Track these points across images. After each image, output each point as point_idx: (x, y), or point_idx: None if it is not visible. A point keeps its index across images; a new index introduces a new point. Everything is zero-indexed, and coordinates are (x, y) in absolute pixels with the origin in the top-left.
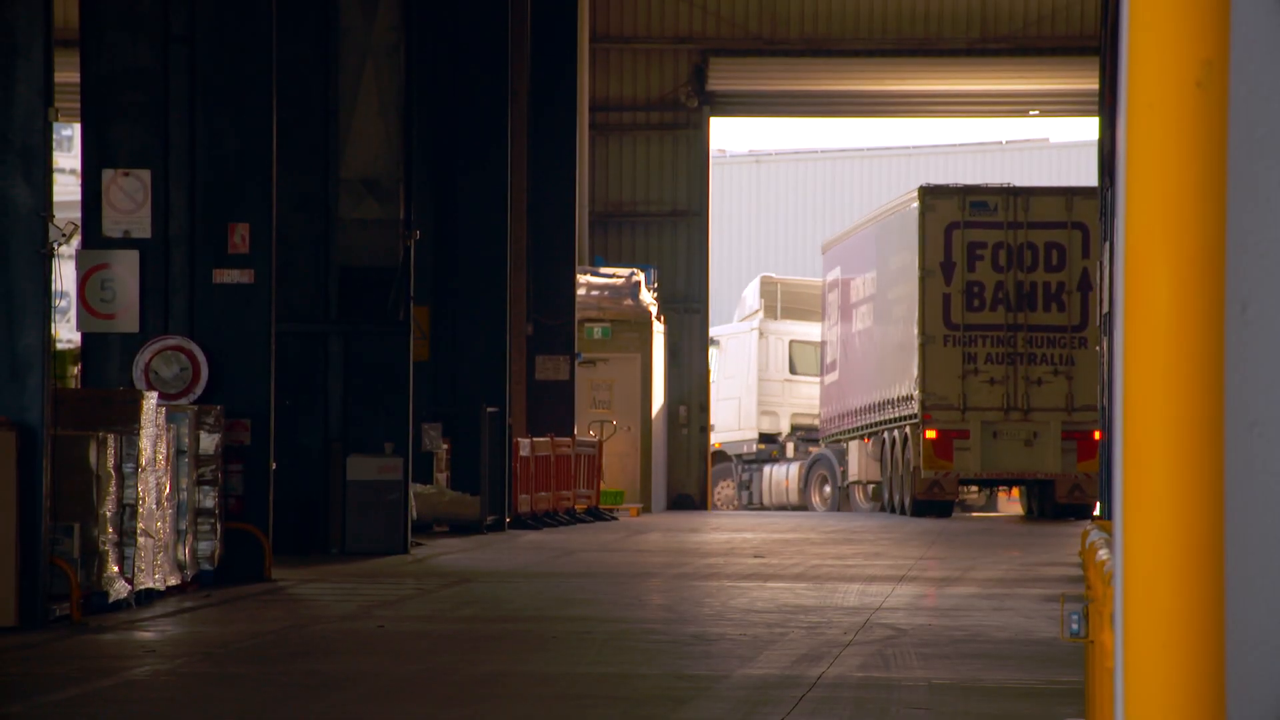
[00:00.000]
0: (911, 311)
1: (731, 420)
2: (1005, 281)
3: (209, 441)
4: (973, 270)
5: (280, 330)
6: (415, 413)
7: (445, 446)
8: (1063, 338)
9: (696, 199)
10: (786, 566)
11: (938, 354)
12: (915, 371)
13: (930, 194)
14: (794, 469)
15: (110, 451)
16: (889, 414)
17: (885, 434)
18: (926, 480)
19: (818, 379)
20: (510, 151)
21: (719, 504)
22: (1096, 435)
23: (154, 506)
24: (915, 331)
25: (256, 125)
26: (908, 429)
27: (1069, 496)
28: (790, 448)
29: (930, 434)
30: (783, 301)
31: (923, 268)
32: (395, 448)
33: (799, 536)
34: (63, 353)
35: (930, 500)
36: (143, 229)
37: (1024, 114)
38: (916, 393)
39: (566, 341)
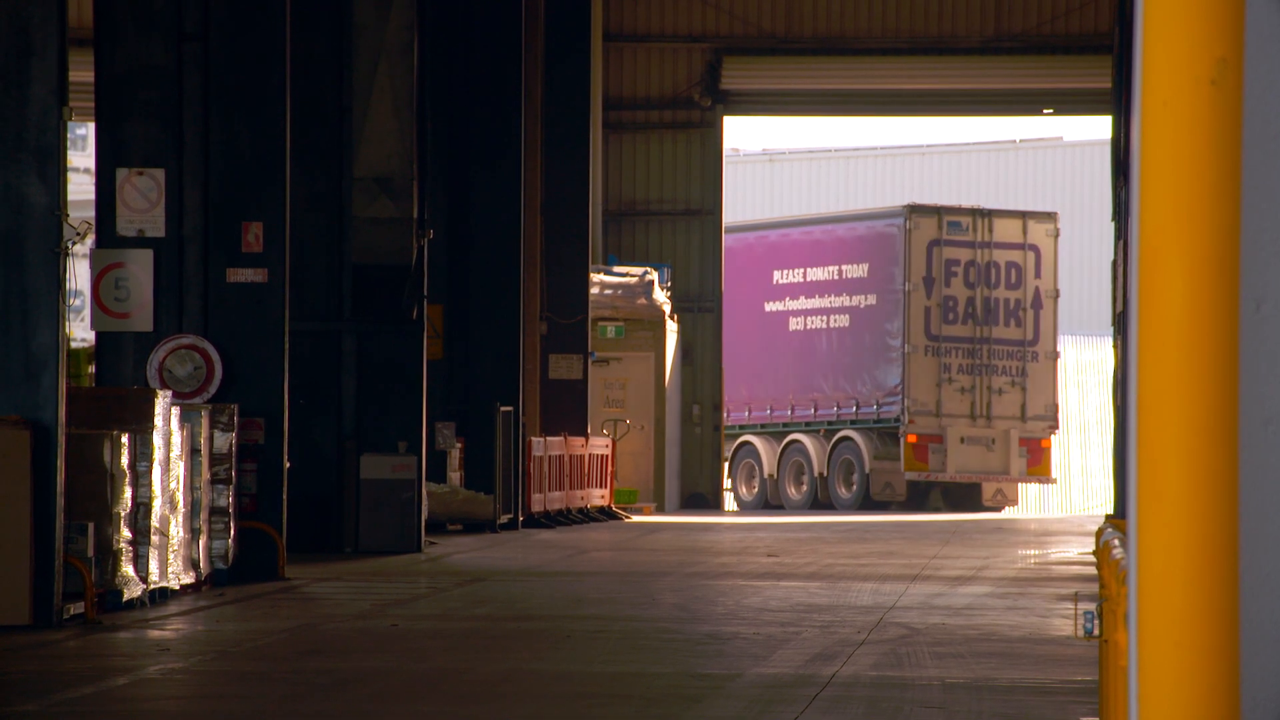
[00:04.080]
0: (878, 321)
1: None
2: (974, 297)
3: (223, 440)
4: (948, 286)
5: (294, 329)
6: (429, 411)
7: (459, 445)
8: (1019, 351)
9: (710, 198)
10: (800, 565)
11: (920, 363)
12: (896, 378)
13: (915, 212)
14: None
15: (124, 450)
16: (824, 415)
17: (805, 436)
18: (881, 480)
19: None
20: (523, 150)
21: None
22: (1044, 444)
23: (168, 505)
24: (898, 341)
25: (270, 124)
26: (852, 432)
27: (992, 499)
28: None
29: (912, 438)
30: None
31: (909, 282)
32: (409, 446)
33: (812, 535)
34: (77, 351)
35: (881, 500)
36: (157, 228)
37: (1037, 112)
38: (901, 399)
39: (580, 340)
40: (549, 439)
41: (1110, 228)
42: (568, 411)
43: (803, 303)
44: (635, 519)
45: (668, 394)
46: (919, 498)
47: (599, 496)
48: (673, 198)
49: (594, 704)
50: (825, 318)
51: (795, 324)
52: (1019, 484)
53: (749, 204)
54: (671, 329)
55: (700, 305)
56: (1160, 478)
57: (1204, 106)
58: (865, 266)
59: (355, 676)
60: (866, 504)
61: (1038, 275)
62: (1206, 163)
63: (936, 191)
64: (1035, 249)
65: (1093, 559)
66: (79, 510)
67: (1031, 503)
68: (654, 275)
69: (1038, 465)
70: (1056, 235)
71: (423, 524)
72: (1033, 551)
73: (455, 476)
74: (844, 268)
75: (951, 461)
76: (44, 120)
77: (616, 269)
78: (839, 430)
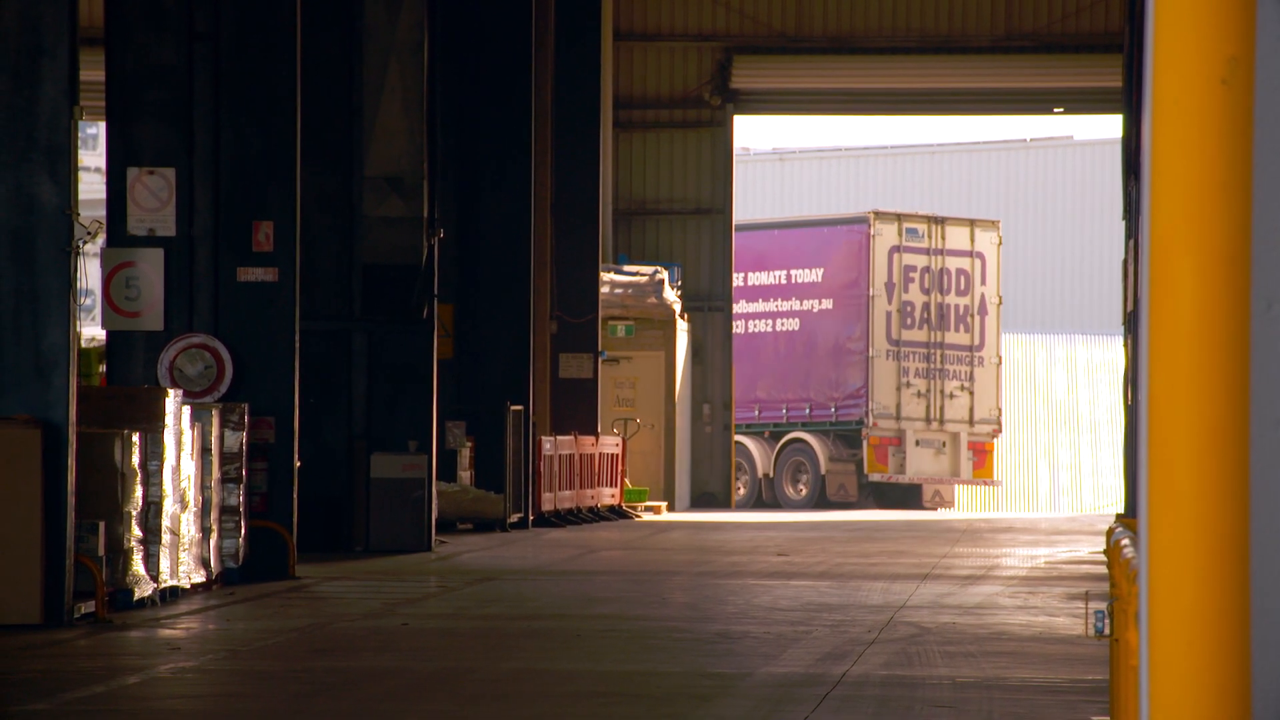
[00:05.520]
0: (834, 325)
1: None
2: (929, 303)
3: (233, 439)
4: (906, 291)
5: (304, 328)
6: (439, 410)
7: (469, 444)
8: (967, 356)
9: (720, 197)
10: (810, 564)
11: (882, 367)
12: (858, 382)
13: (879, 219)
14: None
15: (135, 449)
16: (769, 418)
17: (746, 438)
18: (836, 482)
19: None
20: (534, 149)
21: None
22: (988, 447)
23: (178, 504)
24: (859, 346)
25: (280, 123)
26: (804, 434)
27: (931, 501)
28: None
29: (874, 440)
30: None
31: (873, 287)
32: (419, 445)
33: (822, 535)
34: (88, 350)
35: (837, 501)
36: (167, 227)
37: (1048, 111)
38: (866, 402)
39: (590, 339)
40: (559, 438)
41: (1121, 227)
42: (578, 410)
43: (744, 306)
44: (645, 518)
45: (678, 393)
46: (865, 499)
47: (609, 495)
48: (683, 197)
49: (604, 703)
50: (770, 322)
51: (734, 328)
52: (953, 485)
53: (759, 203)
54: (682, 328)
55: (710, 304)
56: (1171, 477)
57: (1215, 105)
58: (819, 271)
59: (365, 675)
60: (821, 505)
61: (983, 282)
62: (1217, 162)
63: (946, 191)
64: (981, 256)
65: (1103, 558)
66: (90, 509)
67: (967, 504)
68: (664, 274)
69: (982, 468)
70: (1000, 243)
71: (433, 523)
72: (1043, 551)
73: (465, 475)
74: (792, 272)
75: (909, 464)
76: (55, 120)
77: (627, 268)
78: (788, 432)
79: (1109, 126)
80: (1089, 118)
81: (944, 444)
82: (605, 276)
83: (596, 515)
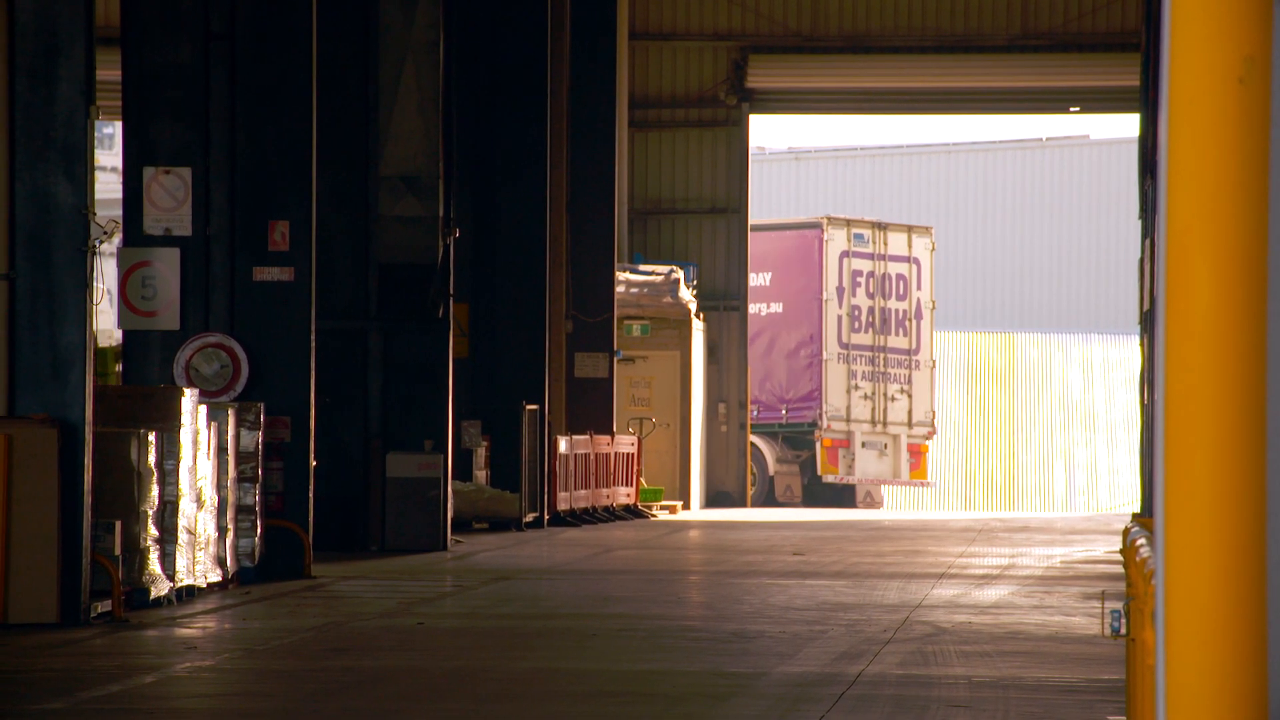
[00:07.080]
0: (784, 328)
1: None
2: (874, 307)
3: (249, 439)
4: (854, 295)
5: (320, 328)
6: (455, 410)
7: (484, 444)
8: (905, 359)
9: (736, 196)
10: (825, 564)
11: (834, 370)
12: (810, 385)
13: (832, 224)
14: None
15: (151, 449)
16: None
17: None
18: (783, 483)
19: None
20: (549, 148)
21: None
22: (923, 449)
23: (195, 503)
24: (811, 349)
25: (296, 123)
26: (752, 437)
27: (864, 502)
28: None
29: (827, 442)
30: None
31: (826, 291)
32: (435, 445)
33: (838, 534)
34: (104, 350)
35: (784, 502)
36: (183, 226)
37: (1064, 110)
38: (820, 404)
39: (606, 339)
40: (574, 437)
41: (1137, 226)
42: (593, 410)
43: None
44: (661, 517)
45: (693, 392)
46: (804, 499)
47: (624, 495)
48: (699, 196)
49: (619, 703)
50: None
51: None
52: (887, 487)
53: (775, 203)
54: (697, 327)
55: (725, 304)
56: (1187, 477)
57: (1231, 104)
58: (767, 275)
59: (381, 675)
60: (770, 506)
61: (919, 287)
62: (1234, 161)
63: (961, 191)
64: (917, 262)
65: (1119, 558)
66: (106, 508)
67: (900, 503)
68: (680, 274)
69: (918, 469)
70: (933, 249)
71: (449, 522)
72: (1059, 550)
73: (481, 475)
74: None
75: (857, 465)
76: (71, 119)
77: (642, 267)
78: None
79: (1125, 125)
80: (1105, 117)
81: (886, 446)
82: (621, 276)
83: (612, 514)
